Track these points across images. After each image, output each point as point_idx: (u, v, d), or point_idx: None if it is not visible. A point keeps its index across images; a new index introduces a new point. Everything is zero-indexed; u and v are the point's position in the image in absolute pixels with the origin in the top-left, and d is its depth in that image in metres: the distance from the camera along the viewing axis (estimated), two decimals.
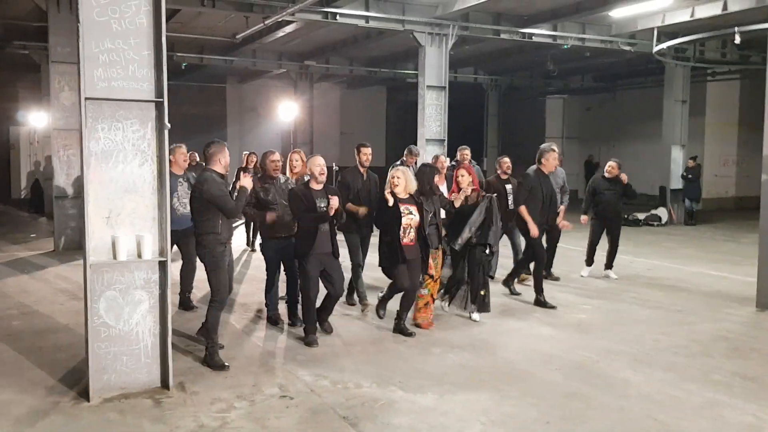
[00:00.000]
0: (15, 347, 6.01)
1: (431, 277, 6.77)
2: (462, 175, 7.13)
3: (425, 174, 6.78)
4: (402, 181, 6.38)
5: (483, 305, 7.00)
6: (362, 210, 7.13)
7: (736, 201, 21.76)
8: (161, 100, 4.80)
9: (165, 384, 4.95)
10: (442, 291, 7.16)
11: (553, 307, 7.55)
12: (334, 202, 6.06)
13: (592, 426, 4.37)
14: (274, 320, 6.85)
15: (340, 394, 4.92)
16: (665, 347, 6.18)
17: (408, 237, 6.31)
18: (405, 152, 8.94)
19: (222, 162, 5.58)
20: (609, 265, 9.53)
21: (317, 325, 6.29)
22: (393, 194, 6.34)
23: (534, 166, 7.99)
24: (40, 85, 18.24)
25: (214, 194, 5.39)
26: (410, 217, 6.31)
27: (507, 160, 8.89)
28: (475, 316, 7.05)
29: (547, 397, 4.83)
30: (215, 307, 5.56)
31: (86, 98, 4.59)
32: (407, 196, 6.40)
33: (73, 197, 11.56)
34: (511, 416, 4.47)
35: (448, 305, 7.18)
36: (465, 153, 9.57)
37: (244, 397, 4.81)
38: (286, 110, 20.88)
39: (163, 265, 4.92)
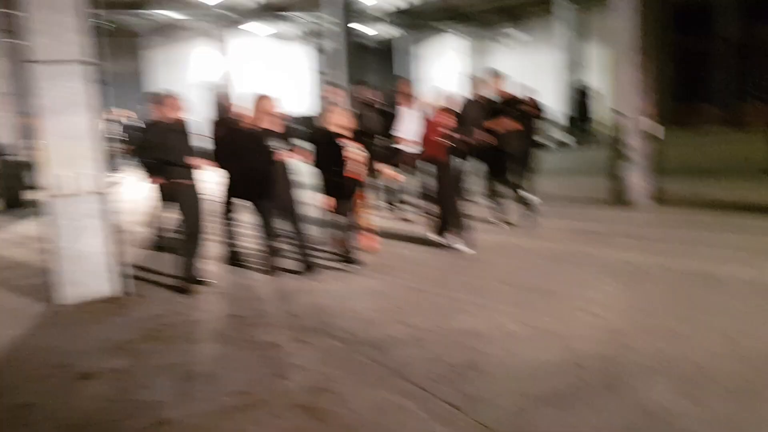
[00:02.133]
0: None
1: (363, 204, 7.20)
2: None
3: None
4: (336, 117, 6.55)
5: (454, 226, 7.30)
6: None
7: None
8: (90, 60, 5.86)
9: (119, 292, 6.13)
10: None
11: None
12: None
13: None
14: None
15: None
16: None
17: (351, 170, 6.51)
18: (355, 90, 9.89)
19: (170, 108, 6.16)
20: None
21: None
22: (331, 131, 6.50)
23: None
24: None
25: (170, 138, 6.09)
26: (352, 151, 6.49)
27: None
28: (457, 243, 7.24)
29: None
30: (191, 239, 6.22)
31: (29, 61, 5.62)
32: (343, 130, 6.55)
33: (8, 156, 12.32)
34: None
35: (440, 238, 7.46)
36: None
37: (190, 298, 6.06)
38: (204, 61, 21.55)
39: (106, 196, 6.05)
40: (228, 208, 7.02)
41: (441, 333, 4.78)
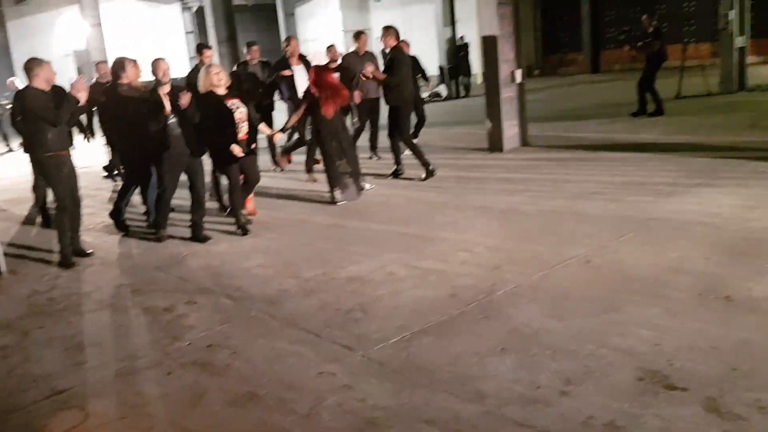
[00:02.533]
0: None
1: None
2: None
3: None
4: (222, 77, 6.36)
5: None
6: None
7: None
8: None
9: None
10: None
11: None
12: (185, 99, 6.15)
13: None
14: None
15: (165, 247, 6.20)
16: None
17: (243, 132, 6.40)
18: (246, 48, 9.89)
19: (42, 76, 5.78)
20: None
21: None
22: (215, 93, 6.29)
23: None
24: None
25: (36, 106, 5.67)
26: (240, 112, 6.36)
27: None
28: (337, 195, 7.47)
29: None
30: (60, 214, 6.05)
31: None
32: (226, 91, 6.40)
33: None
34: None
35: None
36: None
37: (72, 272, 5.93)
38: (72, 30, 20.35)
39: None
40: (114, 173, 6.93)
41: (330, 283, 4.98)
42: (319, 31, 28.08)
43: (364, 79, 8.48)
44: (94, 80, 10.01)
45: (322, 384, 3.45)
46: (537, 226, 5.92)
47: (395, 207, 7.17)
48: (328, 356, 3.78)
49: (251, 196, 7.10)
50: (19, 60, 23.76)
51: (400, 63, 8.12)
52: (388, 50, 8.46)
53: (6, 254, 6.24)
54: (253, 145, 6.57)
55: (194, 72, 8.26)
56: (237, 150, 6.24)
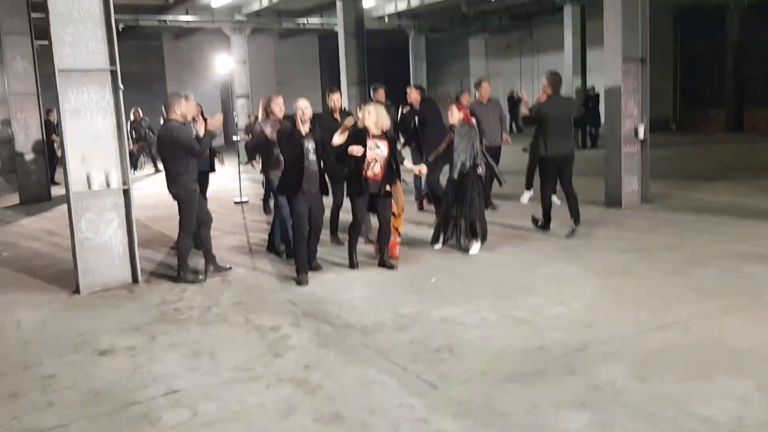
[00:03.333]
0: (10, 268, 7.62)
1: (393, 214, 7.01)
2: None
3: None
4: (373, 115, 6.53)
5: (482, 234, 7.29)
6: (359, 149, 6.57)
7: None
8: (114, 68, 6.36)
9: (135, 280, 6.65)
10: (436, 237, 7.52)
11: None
12: (358, 150, 6.36)
13: None
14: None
15: (291, 289, 6.72)
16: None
17: (372, 171, 6.54)
18: (372, 91, 9.82)
19: (178, 111, 6.58)
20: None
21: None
22: (365, 128, 6.50)
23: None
24: None
25: (180, 139, 6.41)
26: (376, 151, 6.50)
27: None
28: (474, 248, 7.26)
29: None
30: (185, 236, 6.67)
31: (59, 70, 6.13)
32: (379, 132, 6.57)
33: (32, 154, 12.93)
34: None
35: (442, 245, 7.49)
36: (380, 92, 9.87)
37: (198, 286, 6.55)
38: (223, 64, 22.11)
39: (126, 192, 6.56)
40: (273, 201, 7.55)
41: (425, 320, 5.23)
42: (449, 76, 28.75)
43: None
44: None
45: (402, 414, 3.70)
46: (642, 287, 5.88)
47: (502, 254, 7.30)
48: (411, 389, 4.01)
49: (397, 240, 7.18)
50: (172, 89, 26.01)
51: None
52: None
53: (145, 267, 6.98)
54: (388, 187, 6.70)
55: (324, 113, 8.56)
56: (356, 150, 6.36)
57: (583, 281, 6.16)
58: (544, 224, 8.24)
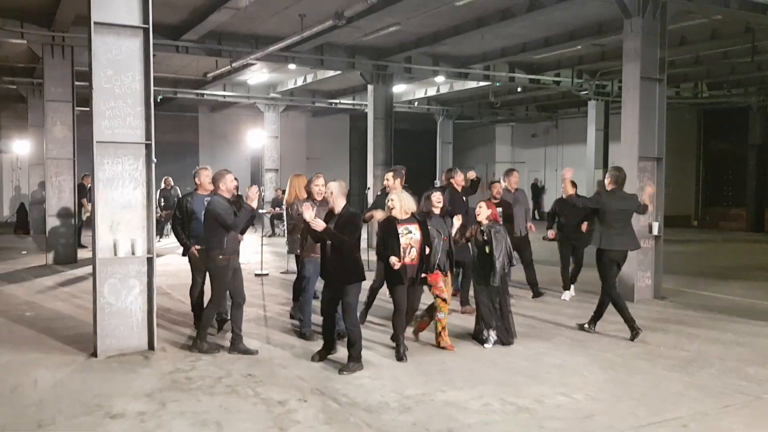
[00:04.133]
0: (32, 328, 7.85)
1: (444, 300, 6.98)
2: (480, 207, 7.35)
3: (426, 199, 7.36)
4: (397, 203, 6.55)
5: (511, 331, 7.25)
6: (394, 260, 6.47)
7: None
8: (150, 142, 6.77)
9: (151, 346, 6.84)
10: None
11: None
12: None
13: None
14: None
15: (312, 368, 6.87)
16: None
17: (409, 257, 6.50)
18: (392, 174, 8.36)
19: (223, 187, 6.81)
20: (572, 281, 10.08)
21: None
22: (393, 217, 6.52)
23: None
24: (25, 116, 20.17)
25: (217, 212, 6.59)
26: (409, 236, 6.49)
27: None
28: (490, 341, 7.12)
29: None
30: (211, 307, 6.90)
31: (97, 141, 6.55)
32: (407, 215, 6.57)
33: (63, 217, 13.41)
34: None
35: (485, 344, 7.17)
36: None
37: (211, 357, 6.73)
38: (255, 138, 22.94)
39: (150, 261, 6.85)
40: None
41: (429, 403, 5.32)
42: (475, 161, 29.32)
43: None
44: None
45: None
46: (645, 383, 5.94)
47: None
48: None
49: (443, 332, 7.00)
50: (204, 159, 26.88)
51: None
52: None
53: (161, 335, 7.19)
54: (423, 275, 6.65)
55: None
56: (394, 261, 6.34)
57: (588, 372, 6.23)
58: (591, 323, 7.86)
